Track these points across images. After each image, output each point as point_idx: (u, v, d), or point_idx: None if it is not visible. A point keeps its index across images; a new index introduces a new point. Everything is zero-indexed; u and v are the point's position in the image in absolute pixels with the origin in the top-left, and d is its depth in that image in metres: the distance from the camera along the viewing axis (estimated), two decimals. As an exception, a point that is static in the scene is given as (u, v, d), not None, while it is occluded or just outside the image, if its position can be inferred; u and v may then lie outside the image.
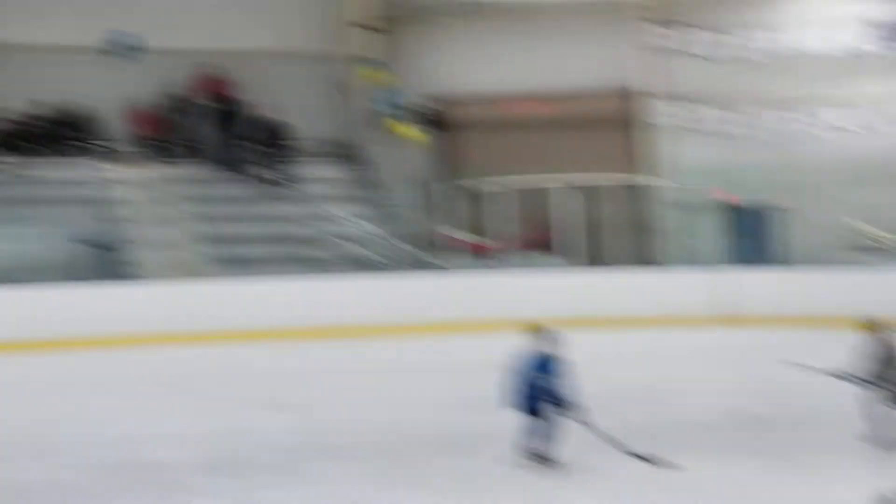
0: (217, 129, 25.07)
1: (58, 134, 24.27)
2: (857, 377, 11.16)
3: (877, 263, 22.65)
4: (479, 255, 24.27)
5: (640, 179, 25.66)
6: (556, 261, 24.08)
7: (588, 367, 16.56)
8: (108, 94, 24.36)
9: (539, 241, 24.70)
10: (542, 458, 10.36)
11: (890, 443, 10.89)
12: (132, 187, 23.89)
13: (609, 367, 16.63)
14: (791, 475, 10.60)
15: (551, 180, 24.40)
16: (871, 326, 11.17)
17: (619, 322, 20.79)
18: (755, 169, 24.19)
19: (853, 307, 19.63)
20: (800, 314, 21.13)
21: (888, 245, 23.10)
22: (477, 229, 24.72)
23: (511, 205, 24.38)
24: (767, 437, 12.37)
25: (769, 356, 17.05)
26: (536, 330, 10.58)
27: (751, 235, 24.33)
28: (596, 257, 24.05)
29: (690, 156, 25.19)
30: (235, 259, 22.45)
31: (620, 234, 24.22)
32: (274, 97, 25.01)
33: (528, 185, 24.58)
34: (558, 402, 10.31)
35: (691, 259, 24.63)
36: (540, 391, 10.32)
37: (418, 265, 23.23)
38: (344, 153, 26.02)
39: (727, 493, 10.02)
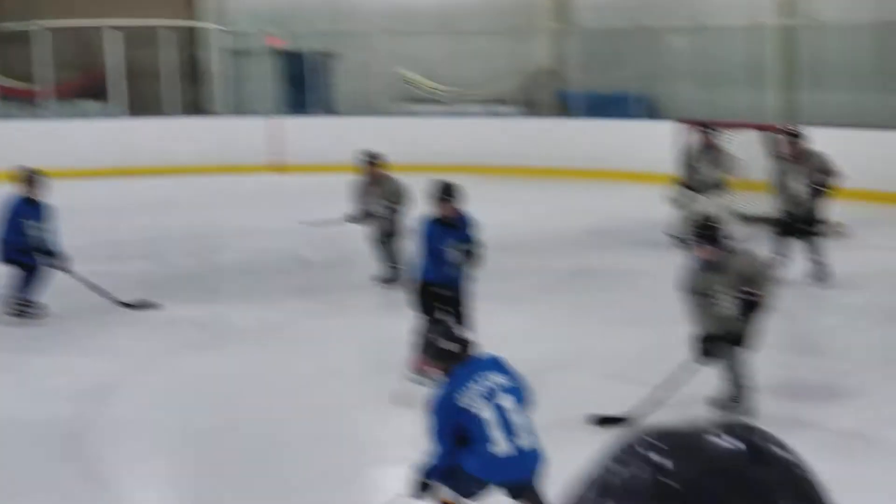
0: None
1: None
2: (358, 217, 11.48)
3: (426, 113, 23.27)
4: (20, 100, 22.79)
5: (192, 23, 24.89)
6: (102, 107, 23.02)
7: (132, 213, 16.24)
8: None
9: (86, 86, 23.49)
10: (25, 308, 10.25)
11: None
12: None
13: (157, 214, 16.25)
14: (326, 311, 10.84)
15: (99, 22, 23.14)
16: (371, 163, 12.18)
17: (167, 170, 20.23)
18: (308, 14, 24.05)
19: (398, 154, 20.22)
20: (346, 161, 21.44)
21: (438, 95, 23.76)
22: (16, 73, 23.14)
23: (54, 47, 22.96)
24: (308, 278, 12.51)
25: (316, 203, 17.23)
26: (25, 177, 10.32)
27: (302, 82, 24.28)
28: (144, 104, 23.19)
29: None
30: None
31: (172, 81, 23.42)
32: None
33: (74, 26, 23.19)
34: (44, 251, 10.09)
35: (244, 106, 24.33)
36: (27, 240, 10.04)
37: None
38: None
39: (267, 330, 10.06)
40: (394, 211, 11.65)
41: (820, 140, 16.07)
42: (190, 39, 25.05)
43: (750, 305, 7.46)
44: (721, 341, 7.52)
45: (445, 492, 5.39)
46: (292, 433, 7.48)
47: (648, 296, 11.46)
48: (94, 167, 20.08)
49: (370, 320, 10.64)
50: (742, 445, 1.22)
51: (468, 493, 5.35)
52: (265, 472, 6.77)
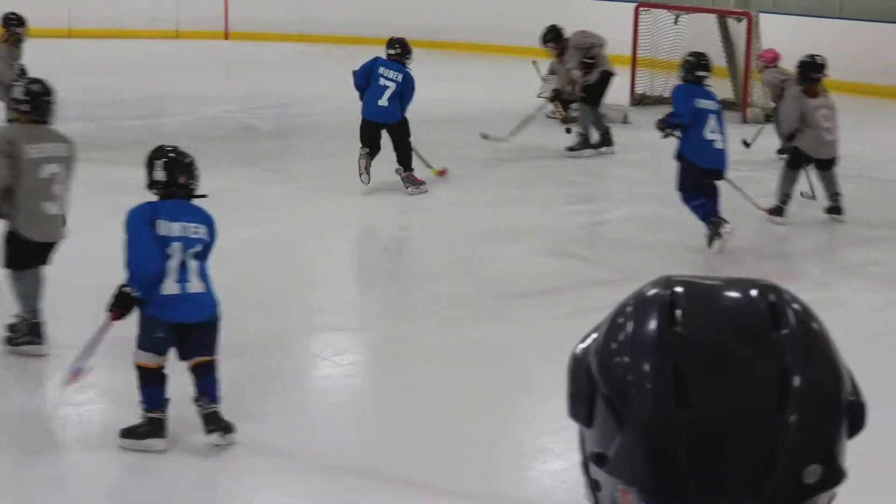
0: None
1: None
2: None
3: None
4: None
5: None
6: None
7: (77, 75, 15.94)
8: None
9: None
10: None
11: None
12: None
13: (103, 77, 16.02)
14: (272, 178, 10.79)
15: None
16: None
17: (115, 33, 19.88)
18: None
19: (354, 24, 19.90)
20: (293, 31, 21.19)
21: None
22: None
23: None
24: (262, 146, 12.45)
25: (263, 72, 17.11)
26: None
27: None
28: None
29: None
30: None
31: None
32: None
33: None
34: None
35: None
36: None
37: None
38: None
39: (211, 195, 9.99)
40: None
41: (776, 27, 16.08)
42: None
43: None
44: None
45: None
46: (232, 298, 7.48)
47: (592, 174, 11.51)
48: (40, 27, 19.69)
49: (317, 188, 10.58)
50: (762, 304, 1.20)
51: (153, 334, 5.41)
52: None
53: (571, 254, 8.54)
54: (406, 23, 17.40)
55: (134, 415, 5.36)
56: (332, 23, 20.86)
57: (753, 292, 1.22)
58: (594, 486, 1.24)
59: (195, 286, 5.45)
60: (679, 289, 1.22)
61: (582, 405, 1.22)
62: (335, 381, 6.36)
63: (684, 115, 8.75)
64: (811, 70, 10.15)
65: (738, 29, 14.80)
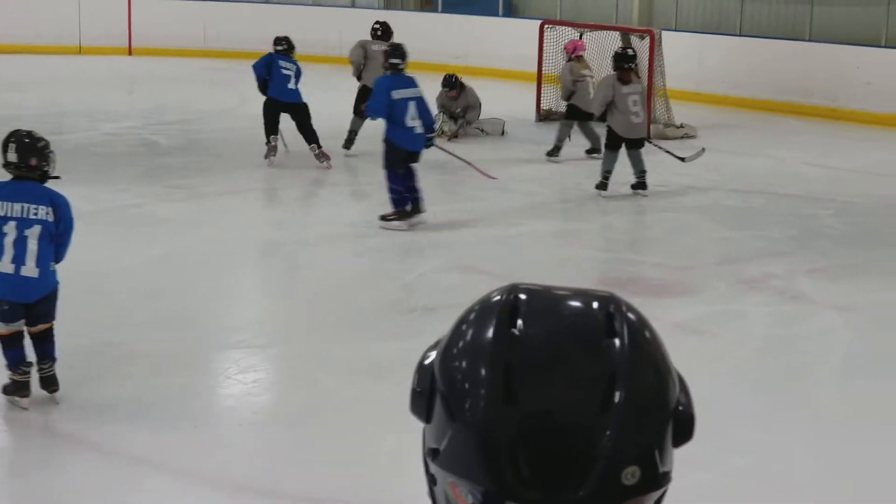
0: None
1: None
2: None
3: (287, 1, 22.87)
4: None
5: None
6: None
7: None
8: None
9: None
10: None
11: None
12: None
13: (3, 92, 15.76)
14: (175, 195, 10.70)
15: None
16: None
17: (17, 49, 19.60)
18: None
19: (254, 42, 19.92)
20: (194, 46, 21.06)
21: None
22: None
23: None
24: (164, 162, 12.34)
25: (166, 87, 16.97)
26: None
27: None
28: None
29: None
30: None
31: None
32: None
33: None
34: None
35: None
36: None
37: None
38: None
39: (113, 212, 9.90)
40: None
41: (677, 44, 16.34)
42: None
43: None
44: None
45: None
46: (136, 316, 7.41)
47: (498, 188, 11.59)
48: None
49: (220, 204, 10.53)
50: (599, 314, 1.24)
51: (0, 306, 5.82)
52: (101, 351, 6.71)
53: (477, 269, 8.59)
54: (309, 38, 17.41)
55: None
56: (234, 38, 20.80)
57: (594, 303, 1.26)
58: (431, 480, 1.28)
59: (29, 270, 5.76)
60: (523, 296, 1.26)
61: (422, 402, 1.27)
62: (240, 399, 6.31)
63: (378, 110, 9.77)
64: (622, 60, 11.38)
65: (640, 46, 15.01)
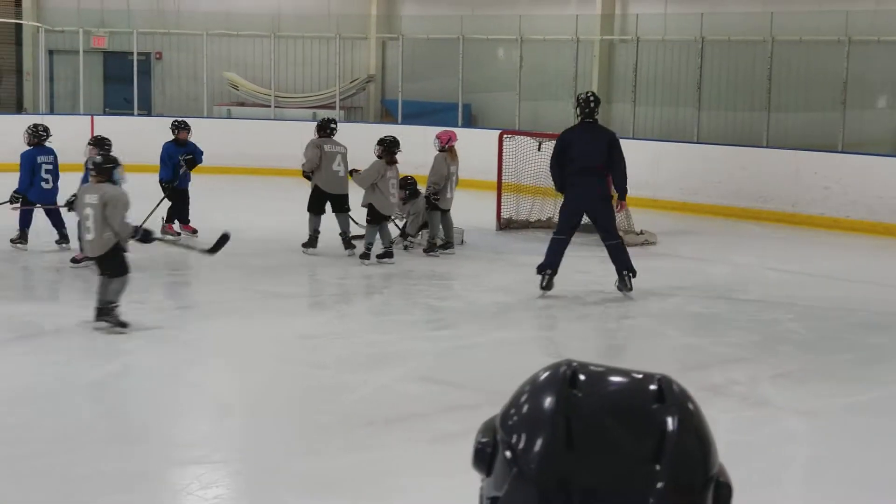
0: None
1: None
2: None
3: (247, 116, 23.07)
4: None
5: (19, 20, 24.14)
6: None
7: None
8: None
9: None
10: None
11: None
12: None
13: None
14: (140, 309, 10.61)
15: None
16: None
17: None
18: (129, 13, 23.61)
19: (215, 156, 20.11)
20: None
21: (262, 99, 23.59)
22: None
23: None
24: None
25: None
26: None
27: (123, 81, 23.84)
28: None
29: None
30: None
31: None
32: None
33: None
34: None
35: (62, 105, 23.74)
36: None
37: None
38: None
39: (86, 326, 9.80)
40: None
41: (635, 151, 16.54)
42: (14, 37, 24.32)
43: None
44: None
45: None
46: (95, 433, 7.30)
47: (458, 297, 11.58)
48: None
49: (176, 317, 10.45)
50: (650, 384, 1.40)
51: None
52: None
53: (437, 380, 8.54)
54: (272, 153, 17.44)
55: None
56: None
57: (643, 375, 1.43)
58: None
59: None
60: (580, 366, 1.43)
61: (484, 455, 1.41)
62: (199, 516, 6.19)
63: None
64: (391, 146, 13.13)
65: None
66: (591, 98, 11.53)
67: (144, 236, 9.77)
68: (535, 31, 21.29)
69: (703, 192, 17.75)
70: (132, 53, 22.98)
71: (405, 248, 13.75)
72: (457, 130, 15.11)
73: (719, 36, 19.47)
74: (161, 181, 14.48)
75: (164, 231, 13.91)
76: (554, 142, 15.79)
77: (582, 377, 1.40)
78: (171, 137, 14.67)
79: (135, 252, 13.51)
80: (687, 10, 20.44)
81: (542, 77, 21.03)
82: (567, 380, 1.39)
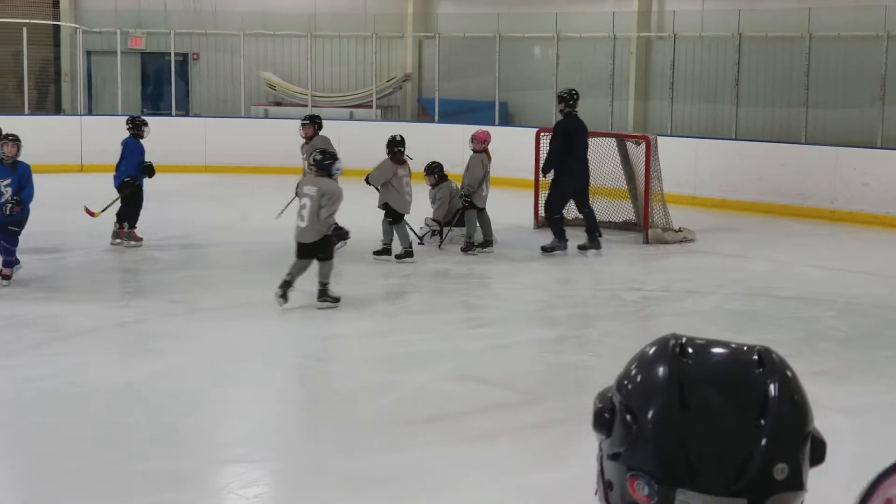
0: None
1: None
2: None
3: (285, 116, 23.13)
4: None
5: (57, 21, 24.32)
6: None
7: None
8: None
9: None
10: None
11: None
12: None
13: None
14: (182, 310, 10.64)
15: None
16: None
17: None
18: (166, 14, 23.73)
19: (253, 156, 20.22)
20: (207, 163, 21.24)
21: (299, 98, 23.65)
22: None
23: None
24: (165, 278, 12.32)
25: (169, 200, 17.03)
26: None
27: (158, 82, 23.98)
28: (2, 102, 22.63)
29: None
30: None
31: (31, 79, 22.85)
32: None
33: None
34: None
35: (100, 106, 23.90)
36: None
37: None
38: None
39: (131, 327, 9.84)
40: None
41: (673, 148, 16.47)
42: (52, 38, 24.49)
43: None
44: None
45: None
46: (136, 432, 7.35)
47: (497, 297, 11.58)
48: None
49: (221, 318, 10.50)
50: (752, 354, 1.59)
51: None
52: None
53: (476, 378, 8.53)
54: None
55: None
56: (233, 154, 20.98)
57: (746, 346, 1.62)
58: (608, 486, 1.59)
59: None
60: (687, 339, 1.62)
61: (603, 420, 1.60)
62: (241, 515, 6.23)
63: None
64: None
65: (637, 152, 15.13)
66: (576, 93, 13.66)
67: (339, 233, 10.60)
68: (572, 29, 21.24)
69: (742, 189, 17.65)
70: (169, 54, 23.09)
71: (439, 246, 13.75)
72: (493, 129, 15.11)
73: (757, 32, 19.36)
74: (129, 178, 13.92)
75: (129, 237, 13.66)
76: (592, 138, 15.80)
77: (690, 349, 1.58)
78: (128, 134, 14.30)
79: (168, 253, 13.63)
80: (724, 6, 20.34)
81: (578, 75, 20.95)
82: (678, 349, 1.58)
